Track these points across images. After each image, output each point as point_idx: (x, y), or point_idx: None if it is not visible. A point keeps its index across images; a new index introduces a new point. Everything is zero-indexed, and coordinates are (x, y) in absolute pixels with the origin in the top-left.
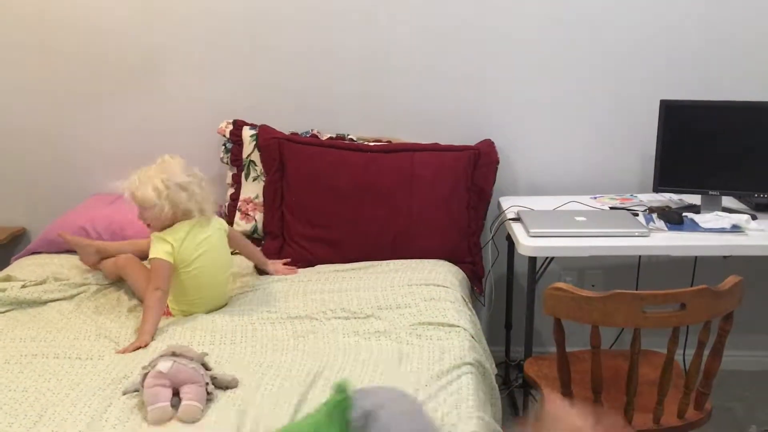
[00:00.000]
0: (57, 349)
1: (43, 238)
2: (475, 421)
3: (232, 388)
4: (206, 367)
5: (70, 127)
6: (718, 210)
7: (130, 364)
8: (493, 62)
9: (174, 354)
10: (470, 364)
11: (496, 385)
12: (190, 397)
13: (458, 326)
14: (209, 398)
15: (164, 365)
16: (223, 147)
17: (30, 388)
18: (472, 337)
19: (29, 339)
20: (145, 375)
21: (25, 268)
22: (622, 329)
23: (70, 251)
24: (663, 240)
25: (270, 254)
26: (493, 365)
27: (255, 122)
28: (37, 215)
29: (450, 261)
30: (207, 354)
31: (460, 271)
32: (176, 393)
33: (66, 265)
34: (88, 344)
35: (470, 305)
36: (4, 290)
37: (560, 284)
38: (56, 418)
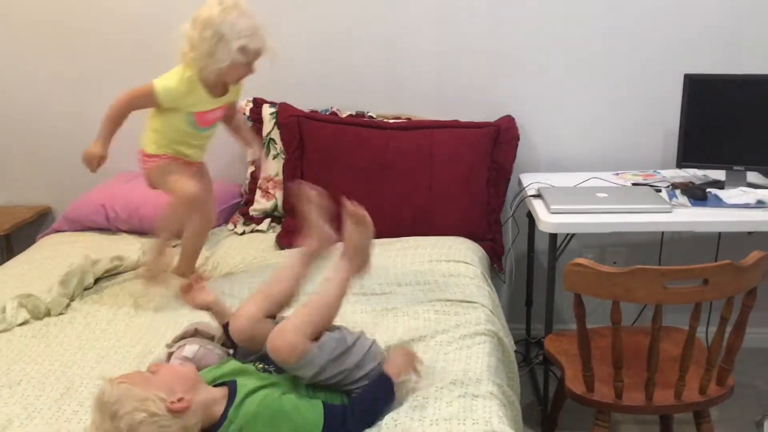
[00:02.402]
0: (81, 326)
1: (67, 217)
2: (485, 384)
3: None
4: (227, 346)
5: (92, 108)
6: (743, 185)
7: (154, 340)
8: (513, 38)
9: (197, 331)
10: (485, 334)
11: (515, 360)
12: None
13: (476, 302)
14: None
15: (191, 350)
16: None
17: (56, 361)
18: (491, 312)
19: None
20: (170, 354)
21: (50, 246)
22: (644, 306)
23: (92, 229)
24: (686, 216)
25: (290, 232)
26: (512, 342)
27: (275, 100)
28: (61, 194)
29: (470, 238)
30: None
31: (480, 248)
32: None
33: (90, 244)
34: (111, 319)
35: (489, 282)
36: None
37: (581, 260)
38: (83, 391)
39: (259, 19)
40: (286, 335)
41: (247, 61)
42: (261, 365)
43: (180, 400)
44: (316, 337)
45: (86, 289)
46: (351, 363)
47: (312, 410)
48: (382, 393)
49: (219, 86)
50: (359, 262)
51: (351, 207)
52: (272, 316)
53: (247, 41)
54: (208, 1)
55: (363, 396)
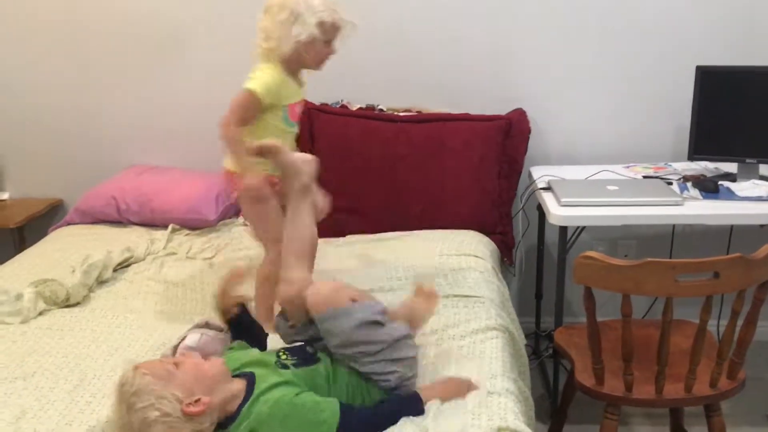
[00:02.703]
0: (95, 318)
1: (78, 209)
2: (499, 380)
3: None
4: None
5: (102, 102)
6: (755, 178)
7: (167, 333)
8: (524, 31)
9: (208, 324)
10: (496, 329)
11: (525, 354)
12: None
13: (485, 297)
14: None
15: (192, 339)
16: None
17: (70, 354)
18: (501, 307)
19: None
20: (175, 348)
21: (62, 238)
22: (655, 299)
23: (103, 222)
24: (698, 209)
25: None
26: (522, 336)
27: None
28: (72, 187)
29: (480, 231)
30: None
31: (491, 241)
32: None
33: (101, 237)
34: (124, 312)
35: (500, 276)
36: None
37: (591, 253)
38: (96, 383)
39: None
40: (328, 284)
41: (326, 37)
42: (285, 355)
43: (197, 401)
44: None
45: (101, 282)
46: (383, 337)
47: (328, 408)
48: (407, 413)
49: (298, 75)
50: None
51: (426, 289)
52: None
53: (324, 15)
54: None
55: (389, 407)
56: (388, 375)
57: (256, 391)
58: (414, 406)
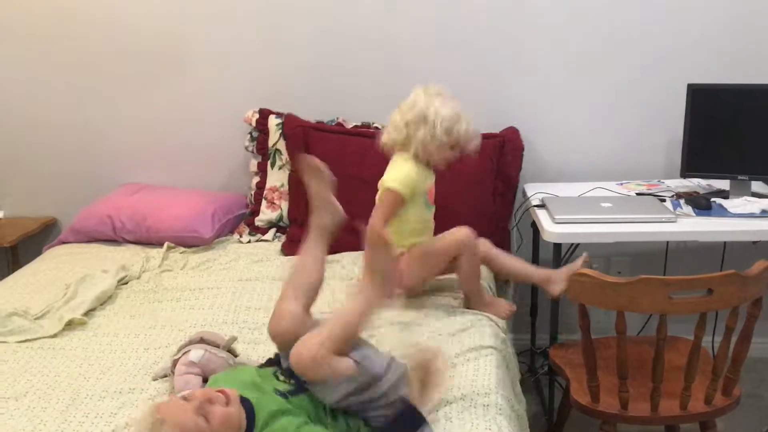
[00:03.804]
0: (86, 337)
1: (73, 228)
2: (493, 398)
3: None
4: (234, 353)
5: (97, 118)
6: (747, 195)
7: (158, 352)
8: (517, 49)
9: (202, 339)
10: (491, 347)
11: (519, 375)
12: None
13: (481, 315)
14: None
15: (196, 354)
16: (249, 135)
17: (62, 373)
18: (496, 325)
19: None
20: (176, 362)
21: (56, 257)
22: (650, 316)
23: (98, 240)
24: (691, 226)
25: (295, 241)
26: (516, 360)
27: (281, 111)
28: (66, 205)
29: None
30: (236, 338)
31: None
32: (206, 381)
33: (96, 255)
34: (116, 331)
35: (495, 294)
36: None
37: (585, 270)
38: (89, 403)
39: (267, 30)
40: (310, 349)
41: (451, 143)
42: (283, 377)
43: None
44: (340, 353)
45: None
46: (377, 392)
47: None
48: (406, 428)
49: (427, 164)
50: (381, 287)
51: (370, 231)
52: (308, 307)
53: (449, 124)
54: (415, 90)
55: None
56: (379, 418)
57: (258, 425)
58: (411, 422)
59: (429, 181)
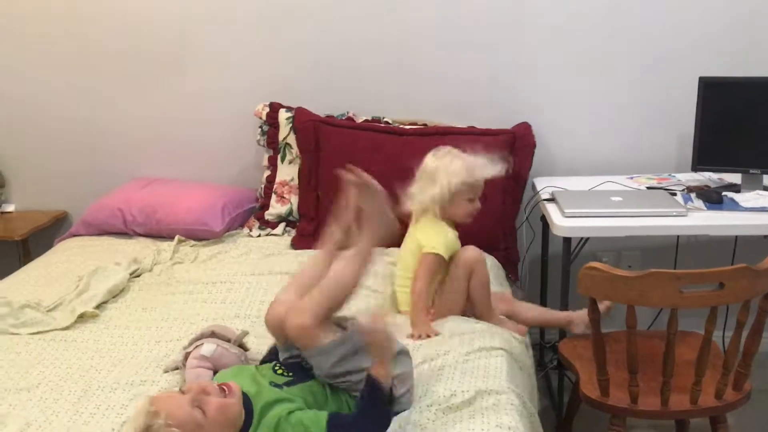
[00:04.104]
0: (98, 330)
1: (84, 221)
2: (505, 396)
3: None
4: (244, 348)
5: (108, 114)
6: (759, 189)
7: (170, 345)
8: (529, 44)
9: (214, 333)
10: (502, 349)
11: (534, 375)
12: None
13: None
14: None
15: (208, 349)
16: (260, 129)
17: (74, 365)
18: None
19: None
20: (187, 355)
21: (67, 250)
22: (660, 311)
23: (109, 233)
24: (702, 220)
25: (305, 236)
26: (530, 351)
27: (291, 105)
28: (77, 199)
29: (483, 248)
30: (248, 333)
31: (495, 261)
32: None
33: (107, 248)
34: (128, 324)
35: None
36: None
37: (595, 264)
38: (100, 395)
39: (278, 24)
40: (301, 316)
41: (466, 196)
42: (281, 370)
43: None
44: (329, 320)
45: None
46: (364, 365)
47: (313, 426)
48: (374, 401)
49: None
50: (375, 234)
51: (352, 175)
52: None
53: (461, 177)
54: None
55: (361, 408)
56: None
57: (255, 415)
58: (374, 393)
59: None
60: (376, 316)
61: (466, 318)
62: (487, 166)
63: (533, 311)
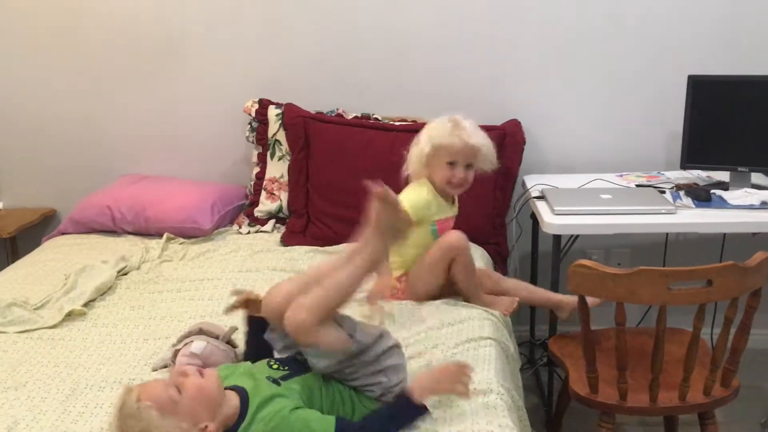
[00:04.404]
0: (86, 328)
1: (72, 219)
2: (494, 389)
3: None
4: (233, 344)
5: (97, 110)
6: (747, 187)
7: (158, 342)
8: (519, 42)
9: (202, 330)
10: (490, 338)
11: (518, 371)
12: None
13: (481, 310)
14: None
15: (198, 346)
16: (249, 126)
17: (62, 363)
18: (496, 319)
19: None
20: (176, 353)
21: (55, 248)
22: (649, 308)
23: (97, 231)
24: (690, 217)
25: (295, 233)
26: (516, 346)
27: (280, 101)
28: (66, 197)
29: (474, 242)
30: (237, 329)
31: (485, 253)
32: None
33: (95, 246)
34: (116, 322)
35: None
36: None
37: (585, 261)
38: (88, 393)
39: (266, 21)
40: (300, 314)
41: (444, 159)
42: (277, 365)
43: (205, 428)
44: (328, 317)
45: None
46: (365, 360)
47: (319, 428)
48: (402, 417)
49: (448, 196)
50: (386, 246)
51: (376, 189)
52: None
53: (436, 139)
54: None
55: (380, 416)
56: (372, 386)
57: (250, 410)
58: (407, 411)
59: (444, 213)
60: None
61: (454, 301)
62: (473, 135)
63: (522, 291)
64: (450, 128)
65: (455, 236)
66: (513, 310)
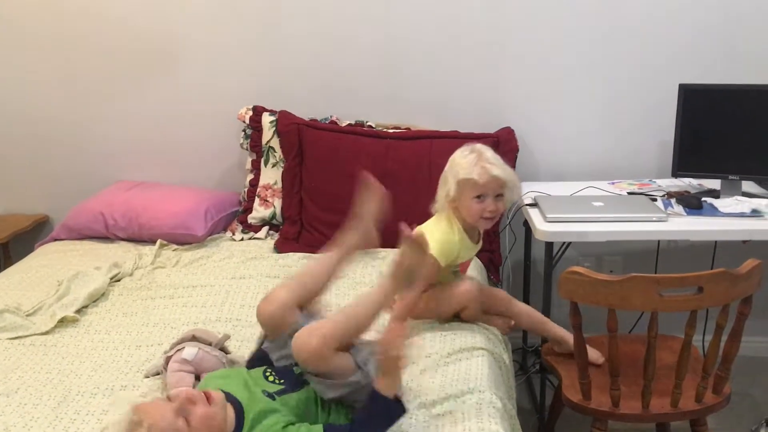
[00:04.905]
0: (78, 334)
1: (65, 225)
2: (486, 397)
3: None
4: (225, 351)
5: (90, 116)
6: (738, 195)
7: (151, 349)
8: (512, 50)
9: (195, 337)
10: (483, 348)
11: (513, 380)
12: None
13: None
14: None
15: (190, 352)
16: (243, 133)
17: (53, 370)
18: (489, 330)
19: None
20: (168, 359)
21: (48, 254)
22: (641, 315)
23: (90, 238)
24: (682, 225)
25: (288, 239)
26: (510, 354)
27: (275, 108)
28: (59, 203)
29: None
30: (229, 337)
31: (478, 260)
32: (198, 379)
33: (88, 252)
34: (108, 328)
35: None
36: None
37: (577, 268)
38: (80, 400)
39: (261, 28)
40: (313, 340)
41: (471, 194)
42: (273, 377)
43: None
44: (342, 347)
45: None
46: (364, 388)
47: None
48: (383, 413)
49: (474, 233)
50: (405, 283)
51: (408, 232)
52: (301, 307)
53: (463, 173)
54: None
55: (367, 418)
56: (358, 402)
57: (246, 425)
58: (386, 407)
59: (468, 255)
60: (396, 332)
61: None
62: (497, 167)
63: (528, 321)
64: (473, 159)
65: (467, 288)
66: (506, 332)
